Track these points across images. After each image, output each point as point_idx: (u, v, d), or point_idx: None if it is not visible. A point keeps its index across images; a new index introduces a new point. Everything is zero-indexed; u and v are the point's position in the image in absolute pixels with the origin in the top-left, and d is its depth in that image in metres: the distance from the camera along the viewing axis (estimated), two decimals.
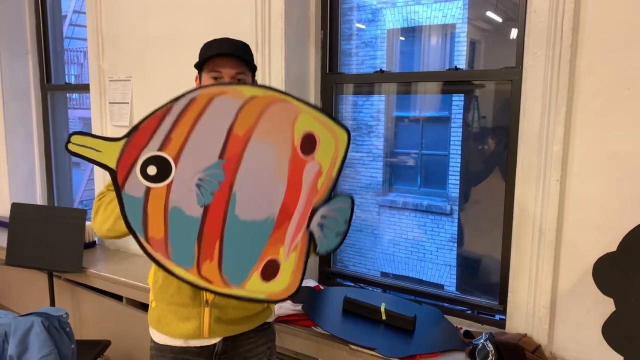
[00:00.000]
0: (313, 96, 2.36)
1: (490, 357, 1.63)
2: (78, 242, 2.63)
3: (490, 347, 1.65)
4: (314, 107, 1.26)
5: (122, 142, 1.13)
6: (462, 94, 2.47)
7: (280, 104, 1.21)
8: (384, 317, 1.92)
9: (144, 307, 2.50)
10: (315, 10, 2.33)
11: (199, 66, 1.42)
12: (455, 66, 2.06)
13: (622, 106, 1.58)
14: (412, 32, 4.60)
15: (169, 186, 1.16)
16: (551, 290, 1.74)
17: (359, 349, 1.77)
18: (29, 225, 2.70)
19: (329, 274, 2.49)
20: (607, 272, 1.54)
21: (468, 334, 1.88)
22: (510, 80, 1.90)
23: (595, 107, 1.62)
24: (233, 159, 1.19)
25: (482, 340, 1.70)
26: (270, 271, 1.26)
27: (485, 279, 2.27)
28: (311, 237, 1.29)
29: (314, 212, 1.28)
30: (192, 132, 1.15)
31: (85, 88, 3.11)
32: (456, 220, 4.28)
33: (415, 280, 4.10)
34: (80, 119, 8.56)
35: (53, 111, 3.65)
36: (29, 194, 3.63)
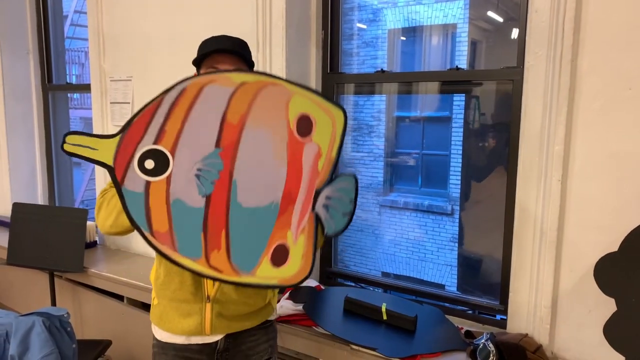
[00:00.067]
0: None
1: (491, 357, 1.63)
2: (79, 242, 2.63)
3: (491, 347, 1.65)
4: (307, 88, 1.25)
5: (117, 138, 1.13)
6: (463, 94, 2.47)
7: (271, 87, 1.21)
8: (385, 317, 1.92)
9: (145, 306, 2.50)
10: (316, 10, 2.33)
11: (197, 63, 1.43)
12: (457, 66, 2.06)
13: (623, 106, 1.58)
14: (413, 32, 4.60)
15: (168, 178, 1.15)
16: (552, 290, 1.74)
17: (360, 349, 1.77)
18: (30, 225, 2.70)
19: (330, 274, 2.49)
20: (609, 272, 1.54)
21: (469, 334, 1.88)
22: (511, 80, 1.90)
23: (597, 107, 1.62)
24: (230, 146, 1.18)
25: (483, 340, 1.70)
26: (280, 256, 1.25)
27: (486, 279, 2.27)
28: (318, 220, 1.28)
29: (317, 194, 1.27)
30: (185, 122, 1.15)
31: (86, 88, 3.11)
32: (457, 220, 4.29)
33: (416, 280, 4.10)
34: (81, 119, 8.57)
35: (54, 111, 3.65)
36: (30, 193, 3.63)
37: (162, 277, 1.44)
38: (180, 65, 2.34)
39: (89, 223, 2.84)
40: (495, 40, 2.59)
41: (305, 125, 1.23)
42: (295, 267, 1.26)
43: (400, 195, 4.85)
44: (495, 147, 2.19)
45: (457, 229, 4.20)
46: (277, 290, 1.60)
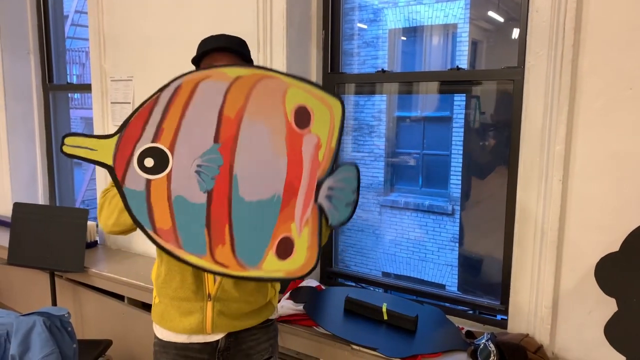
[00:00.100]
0: None
1: (492, 357, 1.63)
2: (80, 242, 2.64)
3: (492, 347, 1.65)
4: (302, 79, 1.25)
5: (116, 138, 1.13)
6: (464, 94, 2.47)
7: (267, 80, 1.21)
8: (385, 317, 1.92)
9: (146, 306, 2.50)
10: (317, 10, 2.33)
11: (196, 62, 1.43)
12: (457, 66, 2.06)
13: (624, 106, 1.58)
14: (413, 32, 4.60)
15: (168, 176, 1.15)
16: (553, 291, 1.74)
17: (361, 349, 1.77)
18: (31, 225, 2.70)
19: (331, 274, 2.49)
20: (610, 272, 1.54)
21: (470, 334, 1.88)
22: (512, 80, 1.90)
23: (598, 106, 1.62)
24: (229, 141, 1.18)
25: (483, 341, 1.70)
26: (285, 249, 1.25)
27: (486, 279, 2.27)
28: (322, 211, 1.27)
29: (319, 185, 1.26)
30: (182, 119, 1.15)
31: (87, 88, 3.11)
32: (458, 220, 4.29)
33: (416, 280, 4.10)
34: (82, 119, 8.57)
35: (55, 111, 3.66)
36: (31, 193, 3.64)
37: (163, 275, 1.44)
38: (180, 65, 2.34)
39: (89, 223, 2.84)
40: (495, 40, 2.59)
41: (303, 117, 1.23)
42: (301, 260, 1.26)
43: (401, 195, 4.85)
44: (496, 147, 2.19)
45: (457, 229, 4.20)
46: (278, 289, 1.60)
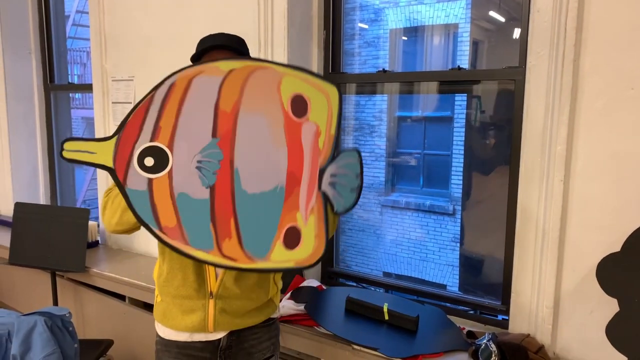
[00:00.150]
0: None
1: (493, 357, 1.63)
2: (81, 242, 2.64)
3: (493, 347, 1.65)
4: (296, 67, 1.25)
5: (114, 139, 1.13)
6: (465, 94, 2.47)
7: (260, 71, 1.20)
8: (386, 317, 1.92)
9: (147, 306, 2.51)
10: (318, 10, 2.33)
11: (196, 60, 1.44)
12: (458, 66, 2.06)
13: (626, 106, 1.58)
14: (414, 32, 4.59)
15: (169, 174, 1.16)
16: (554, 291, 1.74)
17: (362, 349, 1.77)
18: (32, 225, 2.70)
19: (332, 273, 2.49)
20: (611, 273, 1.54)
21: (471, 334, 1.88)
22: (513, 80, 1.89)
23: (599, 106, 1.62)
24: (227, 135, 1.18)
25: (485, 341, 1.70)
26: (292, 239, 1.25)
27: (488, 279, 2.26)
28: (326, 198, 1.27)
29: (322, 173, 1.26)
30: (179, 116, 1.15)
31: (88, 88, 3.12)
32: (459, 220, 4.28)
33: (417, 281, 4.10)
34: (83, 119, 8.58)
35: (56, 111, 3.66)
36: (32, 193, 3.64)
37: (165, 274, 1.44)
38: (181, 65, 2.35)
39: (90, 223, 2.85)
40: (497, 40, 2.59)
41: (299, 105, 1.23)
42: (309, 248, 1.26)
43: (402, 195, 4.84)
44: (497, 147, 2.18)
45: (458, 229, 4.20)
46: (280, 287, 1.60)
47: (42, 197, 3.68)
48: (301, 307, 1.99)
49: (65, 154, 1.11)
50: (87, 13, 2.97)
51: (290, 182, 1.24)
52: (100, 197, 3.06)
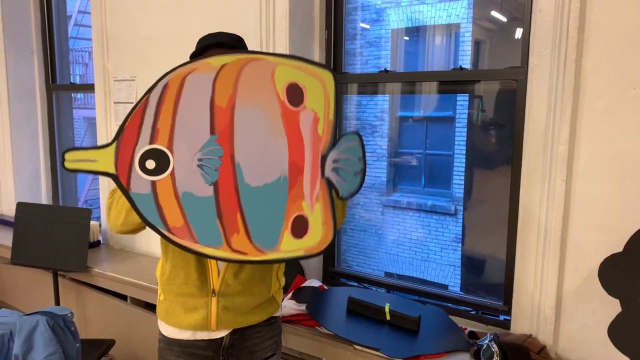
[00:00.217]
0: None
1: (495, 357, 1.63)
2: (83, 242, 2.64)
3: (495, 347, 1.65)
4: (289, 56, 1.25)
5: (114, 145, 1.14)
6: (467, 94, 2.47)
7: (253, 63, 1.20)
8: (388, 318, 1.92)
9: (149, 306, 2.51)
10: (320, 10, 2.33)
11: (195, 58, 1.44)
12: (460, 66, 2.06)
13: (628, 106, 1.57)
14: (416, 32, 4.59)
15: (172, 174, 1.16)
16: (556, 291, 1.73)
17: (363, 349, 1.77)
18: (34, 225, 2.71)
19: (333, 274, 2.48)
20: (613, 273, 1.53)
21: (473, 335, 1.88)
22: (515, 80, 1.89)
23: (601, 106, 1.62)
24: (225, 131, 1.19)
25: (486, 341, 1.69)
26: (300, 227, 1.25)
27: (489, 279, 2.26)
28: (331, 185, 1.27)
29: (324, 159, 1.26)
30: (176, 116, 1.16)
31: (90, 88, 3.12)
32: (460, 221, 4.28)
33: (419, 281, 4.09)
34: (85, 119, 8.58)
35: (58, 111, 3.67)
36: (34, 193, 3.65)
37: (167, 272, 1.45)
38: None
39: (92, 222, 2.85)
40: (499, 40, 2.59)
41: (295, 94, 1.23)
42: (317, 236, 1.26)
43: (404, 195, 4.84)
44: (499, 147, 2.18)
45: (460, 229, 4.19)
46: (282, 284, 1.60)
47: (44, 197, 3.69)
48: (303, 307, 1.99)
49: (67, 164, 1.12)
50: (89, 13, 2.97)
51: (293, 172, 1.24)
52: (102, 197, 3.06)
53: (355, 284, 2.43)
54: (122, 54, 2.84)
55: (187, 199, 1.17)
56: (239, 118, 1.19)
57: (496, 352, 1.64)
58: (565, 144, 1.67)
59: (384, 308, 1.94)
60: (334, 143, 1.27)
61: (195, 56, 1.44)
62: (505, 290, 1.99)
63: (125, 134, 1.14)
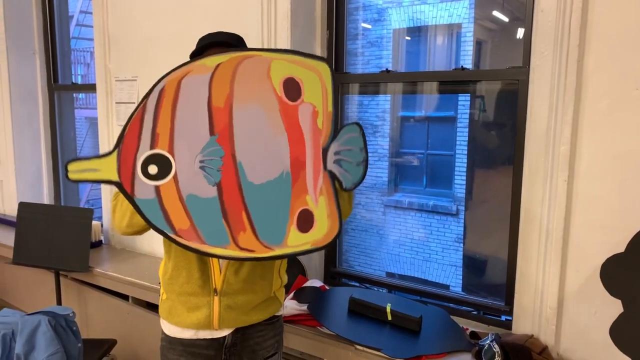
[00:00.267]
0: None
1: (497, 358, 1.63)
2: (84, 242, 2.64)
3: (496, 348, 1.65)
4: (283, 50, 1.25)
5: (115, 153, 1.14)
6: (468, 94, 2.46)
7: (247, 61, 1.21)
8: (389, 318, 1.92)
9: (150, 306, 2.51)
10: (321, 10, 2.33)
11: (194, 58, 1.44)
12: (462, 66, 2.06)
13: (630, 106, 1.57)
14: (418, 32, 4.58)
15: (175, 178, 1.17)
16: (558, 291, 1.73)
17: (365, 349, 1.77)
18: (36, 225, 2.71)
19: (335, 274, 2.48)
20: (615, 273, 1.53)
21: (474, 335, 1.87)
22: (517, 80, 1.89)
23: (603, 106, 1.61)
24: (225, 131, 1.19)
25: (488, 341, 1.69)
26: (306, 222, 1.25)
27: (491, 279, 2.26)
28: (334, 177, 1.28)
29: (325, 152, 1.26)
30: (174, 120, 1.16)
31: (91, 88, 3.12)
32: (462, 221, 4.27)
33: (420, 281, 4.09)
34: (86, 119, 8.60)
35: (60, 111, 3.67)
36: (36, 193, 3.65)
37: (170, 271, 1.45)
38: None
39: (94, 222, 2.85)
40: (500, 40, 2.58)
41: (292, 88, 1.23)
42: (324, 228, 1.27)
43: (405, 195, 4.84)
44: (501, 148, 2.18)
45: (462, 229, 4.18)
46: (285, 281, 1.60)
47: (46, 197, 3.69)
48: (304, 307, 1.99)
49: (70, 175, 1.13)
50: (91, 13, 2.98)
51: (295, 167, 1.24)
52: (103, 197, 3.06)
53: (357, 284, 2.43)
54: (123, 54, 2.85)
55: (191, 201, 1.18)
56: (237, 117, 1.20)
57: (498, 352, 1.63)
58: (567, 144, 1.66)
59: (386, 308, 1.94)
60: (334, 135, 1.27)
61: (195, 55, 1.44)
62: (506, 290, 1.99)
63: (125, 141, 1.15)
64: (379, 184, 4.61)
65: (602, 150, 1.63)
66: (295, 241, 1.25)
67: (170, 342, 1.48)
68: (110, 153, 1.14)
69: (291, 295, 2.09)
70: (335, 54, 2.38)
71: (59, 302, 2.72)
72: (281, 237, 1.24)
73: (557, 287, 1.73)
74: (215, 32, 1.48)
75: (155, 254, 2.84)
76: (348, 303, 2.01)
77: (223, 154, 1.19)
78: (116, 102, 2.89)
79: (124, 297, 2.61)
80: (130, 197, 1.15)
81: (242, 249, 1.22)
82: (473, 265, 2.49)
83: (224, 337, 1.46)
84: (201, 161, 1.18)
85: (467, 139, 2.55)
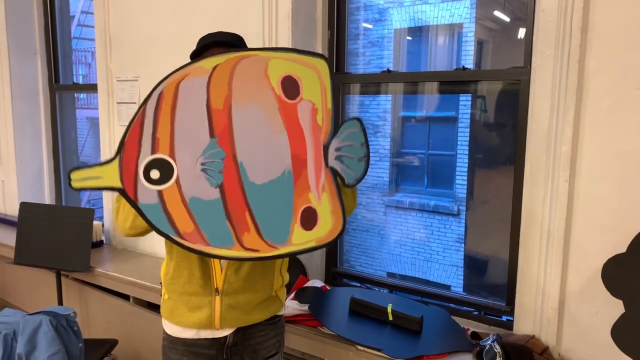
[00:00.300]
0: None
1: (498, 358, 1.62)
2: (86, 242, 2.65)
3: (497, 348, 1.64)
4: (280, 49, 1.26)
5: (117, 160, 1.15)
6: (469, 94, 2.46)
7: (244, 61, 1.21)
8: (390, 318, 1.92)
9: (151, 306, 2.51)
10: (323, 10, 2.33)
11: (195, 57, 1.45)
12: (463, 66, 2.05)
13: (631, 106, 1.57)
14: (419, 32, 4.58)
15: (177, 182, 1.17)
16: (559, 292, 1.73)
17: (366, 349, 1.77)
18: (37, 225, 2.71)
19: (336, 274, 2.48)
20: (617, 274, 1.53)
21: (475, 335, 1.87)
22: (518, 80, 1.89)
23: (605, 107, 1.61)
24: (225, 132, 1.19)
25: (489, 342, 1.69)
26: (309, 219, 1.26)
27: (492, 279, 2.26)
28: (336, 173, 1.28)
29: (326, 148, 1.26)
30: (174, 124, 1.16)
31: (93, 88, 3.12)
32: (463, 221, 4.27)
33: (422, 281, 4.09)
34: (88, 119, 8.60)
35: (61, 111, 3.67)
36: (37, 193, 3.66)
37: (171, 272, 1.46)
38: None
39: (95, 222, 2.85)
40: (501, 40, 2.58)
41: (291, 87, 1.23)
42: (327, 225, 1.27)
43: (406, 195, 4.84)
44: (502, 148, 2.18)
45: (463, 229, 4.18)
46: (286, 280, 1.60)
47: (47, 197, 3.70)
48: (305, 307, 1.99)
49: (73, 184, 1.14)
50: (92, 13, 2.98)
51: (297, 165, 1.24)
52: (104, 198, 3.07)
53: (358, 285, 2.43)
54: (125, 54, 2.85)
55: (194, 204, 1.18)
56: (236, 118, 1.20)
57: (499, 352, 1.63)
58: (568, 144, 1.66)
59: (387, 308, 1.93)
60: (335, 131, 1.27)
61: (195, 55, 1.45)
62: (508, 290, 1.99)
63: (126, 148, 1.15)
64: (380, 184, 4.61)
65: (604, 150, 1.63)
66: (300, 239, 1.26)
67: (172, 342, 1.49)
68: (111, 160, 1.15)
69: (292, 295, 2.09)
70: (337, 54, 2.38)
71: (60, 302, 2.73)
72: (285, 235, 1.25)
73: (558, 288, 1.73)
74: (215, 32, 1.48)
75: (156, 254, 2.84)
76: (349, 303, 2.01)
77: (224, 155, 1.19)
78: (117, 102, 2.89)
79: (125, 297, 2.61)
80: (133, 203, 1.16)
81: (247, 249, 1.22)
82: (474, 266, 2.49)
83: (226, 337, 1.46)
84: (202, 164, 1.18)
85: (468, 139, 2.55)
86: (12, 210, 3.57)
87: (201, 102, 1.18)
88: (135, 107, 2.79)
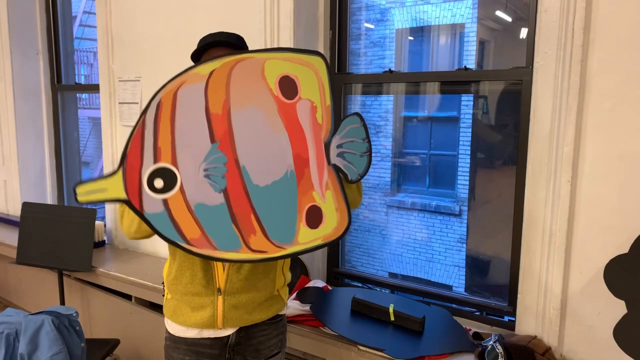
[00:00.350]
0: None
1: (500, 359, 1.62)
2: (88, 242, 2.65)
3: (499, 348, 1.64)
4: (276, 49, 1.27)
5: (120, 172, 1.16)
6: (471, 94, 2.46)
7: (240, 64, 1.21)
8: (392, 318, 1.92)
9: (153, 306, 2.52)
10: (324, 10, 2.33)
11: (197, 58, 1.45)
12: (465, 66, 2.05)
13: (634, 106, 1.56)
14: (421, 32, 4.58)
15: (181, 189, 1.18)
16: (561, 292, 1.73)
17: (367, 349, 1.77)
18: (40, 225, 2.72)
19: (337, 274, 2.48)
20: (619, 274, 1.52)
21: (477, 336, 1.87)
22: (520, 80, 1.88)
23: (607, 107, 1.61)
24: (225, 137, 1.20)
25: (491, 342, 1.69)
26: (314, 218, 1.26)
27: (494, 280, 2.26)
28: (339, 170, 1.28)
29: (328, 146, 1.27)
30: (174, 132, 1.17)
31: (95, 88, 3.13)
32: (465, 221, 4.27)
33: (423, 281, 4.09)
34: (89, 119, 8.62)
35: (63, 111, 3.68)
36: (40, 193, 3.66)
37: (174, 272, 1.46)
38: (187, 65, 2.35)
39: (97, 222, 2.86)
40: (503, 40, 2.58)
41: (288, 86, 1.23)
42: (333, 223, 1.28)
43: (408, 195, 4.84)
44: (504, 148, 2.18)
45: (465, 229, 4.18)
46: (288, 279, 1.60)
47: (49, 197, 3.70)
48: (307, 307, 1.99)
49: (79, 198, 1.15)
50: (94, 14, 2.98)
51: (299, 165, 1.25)
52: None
53: (360, 285, 2.43)
54: (127, 55, 2.85)
55: (200, 210, 1.19)
56: (236, 122, 1.20)
57: (501, 353, 1.63)
58: (570, 145, 1.66)
59: (388, 309, 1.93)
60: (335, 128, 1.27)
61: (196, 55, 1.45)
62: (510, 291, 1.99)
63: (129, 159, 1.16)
64: (381, 184, 4.61)
65: (606, 150, 1.62)
66: (306, 238, 1.26)
67: (174, 342, 1.49)
68: (115, 172, 1.16)
69: (294, 295, 2.09)
70: (338, 54, 2.38)
71: (62, 302, 2.73)
72: (292, 235, 1.25)
73: (560, 288, 1.72)
74: (216, 32, 1.48)
75: (158, 254, 2.85)
76: (351, 303, 2.01)
77: (226, 160, 1.20)
78: (119, 102, 2.89)
79: (127, 297, 2.61)
80: (139, 213, 1.17)
81: (254, 251, 1.23)
82: (476, 266, 2.49)
83: (228, 336, 1.47)
84: (205, 170, 1.19)
85: (470, 139, 2.54)
86: (15, 210, 3.57)
87: (200, 108, 1.18)
88: (137, 107, 2.80)
